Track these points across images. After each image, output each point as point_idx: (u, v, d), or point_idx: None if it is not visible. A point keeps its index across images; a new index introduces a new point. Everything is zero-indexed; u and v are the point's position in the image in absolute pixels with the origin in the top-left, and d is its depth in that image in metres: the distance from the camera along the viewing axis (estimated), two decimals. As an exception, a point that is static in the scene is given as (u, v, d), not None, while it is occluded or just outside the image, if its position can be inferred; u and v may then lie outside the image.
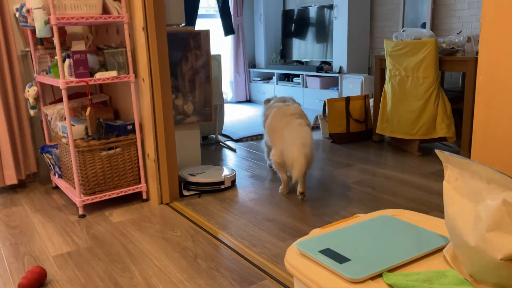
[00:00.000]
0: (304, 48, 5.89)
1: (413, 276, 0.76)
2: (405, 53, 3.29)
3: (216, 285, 1.69)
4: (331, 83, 5.40)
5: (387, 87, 3.53)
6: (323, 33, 5.53)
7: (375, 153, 3.51)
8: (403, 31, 3.46)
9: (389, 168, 3.11)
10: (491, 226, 0.68)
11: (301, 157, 2.36)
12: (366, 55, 5.23)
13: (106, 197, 2.46)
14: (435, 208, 2.38)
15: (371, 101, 4.20)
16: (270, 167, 3.20)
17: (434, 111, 3.22)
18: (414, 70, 3.27)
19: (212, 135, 4.16)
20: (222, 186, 2.76)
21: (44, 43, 2.70)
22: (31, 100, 2.72)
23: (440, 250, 0.88)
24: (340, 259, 0.82)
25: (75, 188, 2.48)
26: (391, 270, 0.81)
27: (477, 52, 3.22)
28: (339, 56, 5.21)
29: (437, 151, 0.82)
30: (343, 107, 3.83)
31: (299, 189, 2.48)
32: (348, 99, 3.83)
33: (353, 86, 4.92)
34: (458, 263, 0.80)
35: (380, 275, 0.79)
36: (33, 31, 2.71)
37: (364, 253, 0.84)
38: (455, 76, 4.35)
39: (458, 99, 3.46)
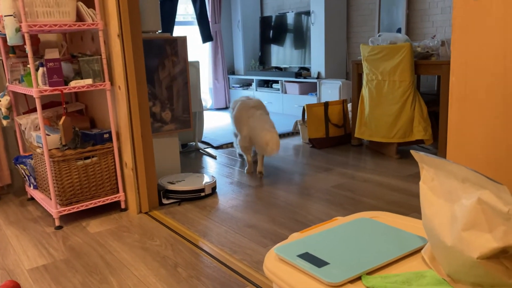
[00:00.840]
0: (282, 54, 5.92)
1: (392, 278, 0.76)
2: (381, 57, 3.34)
3: (197, 294, 1.66)
4: (310, 88, 5.43)
5: (365, 91, 3.57)
6: (301, 39, 5.57)
7: (354, 157, 3.53)
8: (379, 36, 3.50)
9: (368, 171, 3.14)
10: (466, 225, 0.68)
11: (274, 136, 2.91)
12: (343, 60, 5.29)
13: (83, 208, 2.40)
14: (415, 209, 2.40)
15: (349, 105, 4.23)
16: (240, 155, 3.68)
17: (411, 114, 3.27)
18: (391, 74, 3.31)
19: (191, 143, 4.13)
20: (202, 194, 2.73)
21: (16, 51, 2.64)
22: (3, 110, 2.65)
23: (418, 251, 0.88)
24: (318, 263, 0.82)
25: (51, 199, 2.42)
26: (370, 272, 0.80)
27: (451, 56, 3.28)
28: (317, 61, 5.25)
29: (412, 152, 0.82)
30: (322, 112, 3.85)
31: (258, 169, 3.15)
32: (326, 104, 3.86)
33: (331, 91, 4.96)
34: (436, 263, 0.80)
35: (359, 278, 0.79)
36: (4, 39, 2.65)
37: (343, 256, 0.84)
38: (430, 79, 4.43)
39: (434, 102, 3.52)
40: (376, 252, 0.85)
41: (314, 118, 3.83)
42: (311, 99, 5.23)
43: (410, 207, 2.44)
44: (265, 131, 2.92)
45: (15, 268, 1.94)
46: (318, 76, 5.23)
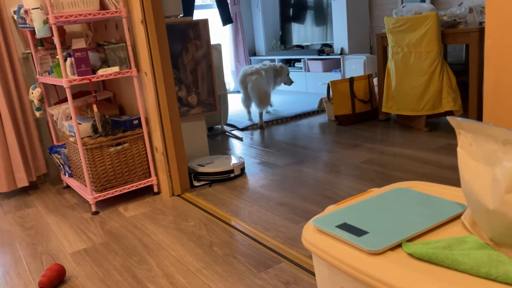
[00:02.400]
0: (303, 32, 5.85)
1: (433, 244, 0.76)
2: (406, 29, 3.26)
3: (234, 271, 1.70)
4: (333, 65, 5.36)
5: (390, 64, 3.50)
6: (322, 16, 5.48)
7: (382, 132, 3.49)
8: (403, 7, 3.41)
9: (397, 145, 3.10)
10: (510, 188, 0.67)
11: (261, 94, 4.06)
12: (367, 35, 5.18)
13: (118, 193, 2.47)
14: (447, 182, 2.37)
15: (375, 80, 4.17)
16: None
17: (439, 85, 3.20)
18: (417, 45, 3.24)
19: (217, 126, 4.16)
20: (232, 175, 2.76)
21: (44, 43, 2.70)
22: (36, 102, 2.73)
23: (458, 217, 0.87)
24: (357, 232, 0.82)
25: (86, 186, 2.50)
26: (410, 240, 0.80)
27: (480, 23, 3.18)
28: (339, 37, 5.17)
29: (448, 118, 0.81)
30: (347, 88, 3.81)
31: (259, 123, 4.13)
32: (351, 80, 3.81)
33: (355, 66, 4.88)
34: (477, 228, 0.79)
35: (399, 246, 0.79)
36: (33, 32, 2.71)
37: (381, 225, 0.84)
38: (458, 48, 4.30)
39: (463, 71, 3.43)
40: (415, 220, 0.85)
41: (339, 95, 3.79)
42: (335, 76, 5.17)
43: (443, 179, 2.41)
44: (255, 91, 4.04)
45: (58, 253, 2.02)
46: (341, 52, 5.16)
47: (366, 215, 0.89)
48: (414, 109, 3.36)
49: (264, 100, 4.06)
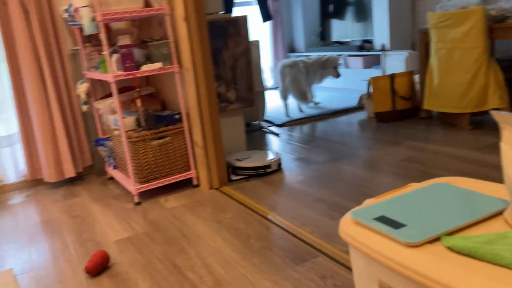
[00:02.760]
0: (343, 28, 5.79)
1: (473, 239, 0.76)
2: (450, 24, 3.17)
3: (271, 263, 1.73)
4: (374, 61, 5.28)
5: (433, 61, 3.42)
6: (363, 11, 5.41)
7: (423, 130, 3.42)
8: (448, 1, 3.32)
9: (439, 143, 3.03)
10: (554, 183, 0.66)
11: (297, 91, 4.28)
12: (409, 30, 5.07)
13: (159, 185, 2.55)
14: (492, 181, 2.30)
15: (417, 77, 4.08)
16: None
17: (484, 82, 3.09)
18: (461, 41, 3.15)
19: (255, 122, 4.20)
20: (269, 170, 2.79)
21: (92, 40, 2.82)
22: (83, 96, 2.85)
23: (500, 213, 0.86)
24: (395, 225, 0.83)
25: (129, 177, 2.59)
26: (449, 234, 0.80)
27: (530, 17, 3.05)
28: (380, 33, 5.08)
29: (492, 112, 0.80)
30: (388, 85, 3.75)
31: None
32: (392, 76, 3.74)
33: (397, 63, 4.79)
34: (519, 224, 0.78)
35: (437, 239, 0.79)
36: (81, 30, 2.83)
37: (420, 219, 0.84)
38: (505, 44, 4.14)
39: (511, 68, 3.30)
40: (455, 214, 0.84)
41: (379, 91, 3.74)
42: (375, 73, 5.09)
43: (486, 178, 2.34)
44: (294, 87, 4.27)
45: (102, 240, 2.12)
46: (382, 48, 5.07)
47: (405, 208, 0.89)
48: (457, 106, 3.27)
49: (302, 98, 4.32)
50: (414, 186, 1.03)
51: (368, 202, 0.97)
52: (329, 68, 4.55)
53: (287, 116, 4.39)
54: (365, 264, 0.87)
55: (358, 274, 0.91)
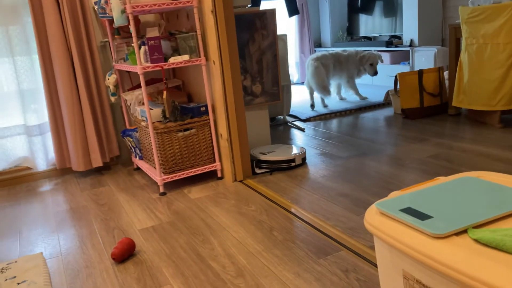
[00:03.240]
0: (371, 23, 5.71)
1: (501, 232, 0.74)
2: (483, 19, 3.09)
3: (293, 256, 1.73)
4: (402, 57, 5.20)
5: (463, 57, 3.34)
6: (391, 6, 5.32)
7: (451, 127, 3.35)
8: (480, -4, 3.24)
9: (467, 141, 2.97)
10: None
11: (316, 85, 4.39)
12: (439, 26, 4.97)
13: (184, 176, 2.58)
14: (521, 180, 2.24)
15: (446, 73, 3.99)
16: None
17: (517, 79, 3.01)
18: (494, 36, 3.06)
19: (280, 116, 4.19)
20: (293, 164, 2.79)
21: (121, 32, 2.87)
22: (111, 88, 2.91)
23: (530, 208, 0.84)
24: (421, 216, 0.82)
25: (155, 168, 2.64)
26: (476, 227, 0.79)
27: None
28: (409, 28, 5.00)
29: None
30: (415, 81, 3.68)
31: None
32: (421, 72, 3.68)
33: (425, 59, 4.70)
34: (551, 219, 0.76)
35: (464, 232, 0.78)
36: (111, 22, 2.88)
37: (446, 211, 0.83)
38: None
39: (545, 65, 3.19)
40: (483, 207, 0.83)
41: (407, 87, 3.68)
42: (403, 68, 5.02)
43: (516, 177, 2.28)
44: (315, 80, 4.37)
45: (128, 228, 2.16)
46: (411, 44, 4.98)
47: (431, 200, 0.88)
48: (487, 104, 3.19)
49: (323, 91, 4.38)
50: (441, 180, 1.02)
51: (394, 194, 0.97)
52: (365, 64, 4.50)
53: (313, 109, 4.39)
54: (390, 255, 0.86)
55: (383, 265, 0.90)
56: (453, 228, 0.77)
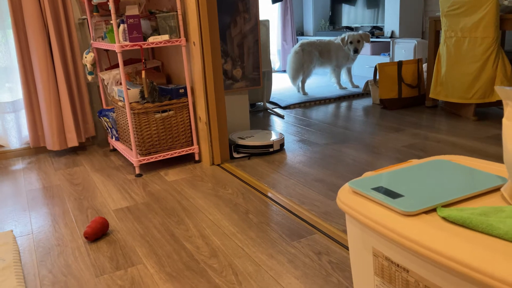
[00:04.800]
0: (354, 14, 5.73)
1: (468, 210, 0.76)
2: (462, 12, 3.14)
3: (267, 238, 1.74)
4: (382, 48, 5.24)
5: (442, 49, 3.39)
6: (374, -3, 5.34)
7: (427, 118, 3.41)
8: (460, -11, 3.27)
9: (442, 132, 3.02)
10: (553, 156, 0.66)
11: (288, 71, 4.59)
12: (419, 18, 5.02)
13: (161, 158, 2.56)
14: (492, 170, 2.30)
15: (425, 66, 4.05)
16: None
17: (492, 73, 3.07)
18: (472, 30, 3.11)
19: (260, 102, 4.19)
20: (271, 149, 2.79)
21: (100, 10, 2.80)
22: (88, 66, 2.85)
23: (497, 189, 0.86)
24: (393, 195, 0.83)
25: (131, 149, 2.60)
26: (446, 206, 0.81)
27: (543, 9, 3.01)
28: (391, 20, 5.03)
29: (496, 88, 0.80)
30: (395, 72, 3.72)
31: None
32: (400, 63, 3.72)
33: (405, 51, 4.75)
34: (516, 200, 0.78)
35: (434, 210, 0.80)
36: (89, -1, 2.81)
37: (417, 191, 0.85)
38: (517, 37, 4.09)
39: (520, 60, 3.27)
40: (452, 188, 0.85)
41: (386, 78, 3.72)
42: (383, 60, 5.06)
43: (487, 167, 2.34)
44: (288, 64, 4.58)
45: (102, 208, 2.14)
46: (392, 36, 5.03)
47: (403, 181, 0.90)
48: (463, 96, 3.25)
49: (292, 78, 4.60)
50: (414, 162, 1.03)
51: (368, 174, 0.98)
52: (347, 45, 4.51)
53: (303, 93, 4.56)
54: (361, 232, 0.87)
55: (353, 243, 0.92)
56: (423, 207, 0.78)
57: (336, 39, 4.57)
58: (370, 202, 0.85)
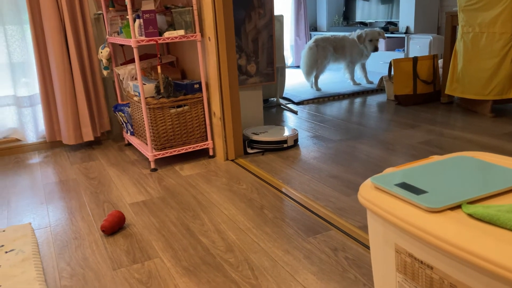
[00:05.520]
0: (368, 9, 5.68)
1: (495, 207, 0.75)
2: (480, 7, 3.09)
3: (282, 233, 1.74)
4: (397, 44, 5.19)
5: (459, 45, 3.35)
6: (389, -8, 5.29)
7: (443, 115, 3.37)
8: (478, -16, 3.22)
9: (458, 129, 2.99)
10: None
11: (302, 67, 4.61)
12: (435, 14, 4.96)
13: (176, 153, 2.57)
14: (510, 168, 2.27)
15: (440, 61, 4.00)
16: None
17: (510, 69, 3.02)
18: (490, 25, 3.07)
19: (273, 98, 4.18)
20: (285, 145, 2.79)
21: (115, 5, 2.81)
22: (104, 61, 2.87)
23: (523, 187, 0.85)
24: (416, 191, 0.83)
25: (147, 144, 2.62)
26: (471, 203, 0.80)
27: None
28: (406, 15, 4.98)
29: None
30: (410, 68, 3.69)
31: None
32: (415, 59, 3.68)
33: (420, 47, 4.70)
34: (543, 197, 0.77)
35: (459, 207, 0.79)
36: (105, -6, 2.82)
37: (441, 187, 0.84)
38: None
39: (539, 56, 3.21)
40: (477, 184, 0.84)
41: (401, 74, 3.68)
42: (398, 55, 5.01)
43: (505, 165, 2.31)
44: (302, 59, 4.60)
45: (118, 202, 2.16)
46: (407, 31, 4.97)
47: (426, 177, 0.89)
48: (480, 93, 3.21)
49: (306, 74, 4.58)
50: (436, 158, 1.02)
51: (389, 170, 0.97)
52: (365, 42, 4.47)
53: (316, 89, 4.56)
54: (383, 228, 0.87)
55: (375, 240, 0.91)
56: (448, 203, 0.77)
57: (351, 34, 4.54)
58: (393, 198, 0.85)
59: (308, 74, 4.56)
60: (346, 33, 4.59)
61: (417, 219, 0.77)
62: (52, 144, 3.13)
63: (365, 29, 4.49)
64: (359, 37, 4.48)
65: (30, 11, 2.77)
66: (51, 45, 2.81)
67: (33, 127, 3.04)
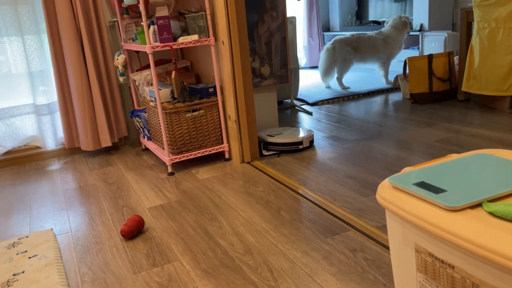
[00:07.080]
0: (381, 7, 5.64)
1: (516, 205, 0.74)
2: (496, 2, 3.04)
3: (300, 235, 1.74)
4: (411, 42, 5.14)
5: (475, 41, 3.30)
6: (402, -10, 5.25)
7: (460, 112, 3.33)
8: (493, -21, 3.18)
9: (476, 126, 2.95)
10: None
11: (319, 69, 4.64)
12: (450, 10, 4.90)
13: (192, 156, 2.59)
14: (530, 164, 2.23)
15: (456, 58, 3.95)
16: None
17: (529, 64, 2.97)
18: (506, 20, 3.02)
19: (287, 100, 4.18)
20: (301, 146, 2.79)
21: (130, 12, 2.85)
22: (120, 68, 2.91)
23: (544, 184, 0.84)
24: (435, 190, 0.82)
25: (163, 148, 2.64)
26: (491, 201, 0.79)
27: None
28: (419, 13, 4.93)
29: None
30: (425, 65, 3.65)
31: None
32: (430, 57, 3.64)
33: (435, 44, 4.65)
34: None
35: (479, 205, 0.78)
36: (120, 1, 2.86)
37: (461, 185, 0.83)
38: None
39: (558, 50, 3.15)
40: (497, 182, 0.83)
41: (416, 72, 3.65)
42: (412, 53, 4.97)
43: (526, 162, 2.27)
44: (320, 61, 4.59)
45: (137, 206, 2.18)
46: (421, 29, 4.93)
47: (445, 175, 0.88)
48: (498, 89, 3.16)
49: (323, 75, 4.61)
50: (454, 156, 1.01)
51: (407, 170, 0.97)
52: (405, 29, 4.48)
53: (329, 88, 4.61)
54: (402, 228, 0.86)
55: (394, 240, 0.91)
56: (468, 201, 0.77)
57: (384, 27, 4.52)
58: (412, 197, 0.84)
59: (324, 75, 4.54)
60: (368, 32, 4.55)
61: (437, 218, 0.76)
62: (71, 151, 3.18)
63: (398, 15, 4.49)
64: (403, 23, 4.44)
65: (47, 21, 2.83)
66: (68, 53, 2.86)
67: (52, 135, 3.10)
